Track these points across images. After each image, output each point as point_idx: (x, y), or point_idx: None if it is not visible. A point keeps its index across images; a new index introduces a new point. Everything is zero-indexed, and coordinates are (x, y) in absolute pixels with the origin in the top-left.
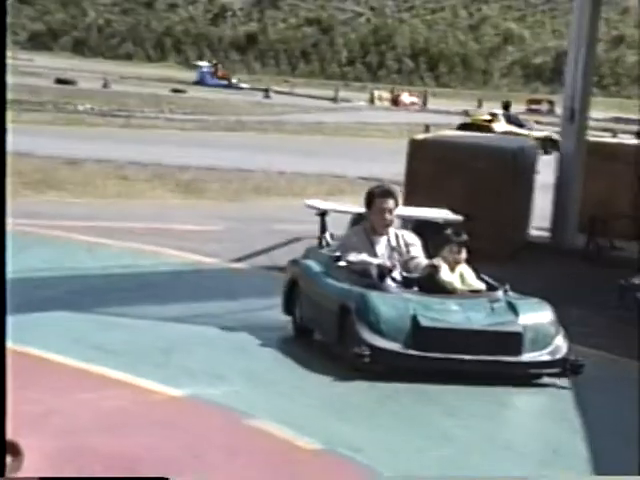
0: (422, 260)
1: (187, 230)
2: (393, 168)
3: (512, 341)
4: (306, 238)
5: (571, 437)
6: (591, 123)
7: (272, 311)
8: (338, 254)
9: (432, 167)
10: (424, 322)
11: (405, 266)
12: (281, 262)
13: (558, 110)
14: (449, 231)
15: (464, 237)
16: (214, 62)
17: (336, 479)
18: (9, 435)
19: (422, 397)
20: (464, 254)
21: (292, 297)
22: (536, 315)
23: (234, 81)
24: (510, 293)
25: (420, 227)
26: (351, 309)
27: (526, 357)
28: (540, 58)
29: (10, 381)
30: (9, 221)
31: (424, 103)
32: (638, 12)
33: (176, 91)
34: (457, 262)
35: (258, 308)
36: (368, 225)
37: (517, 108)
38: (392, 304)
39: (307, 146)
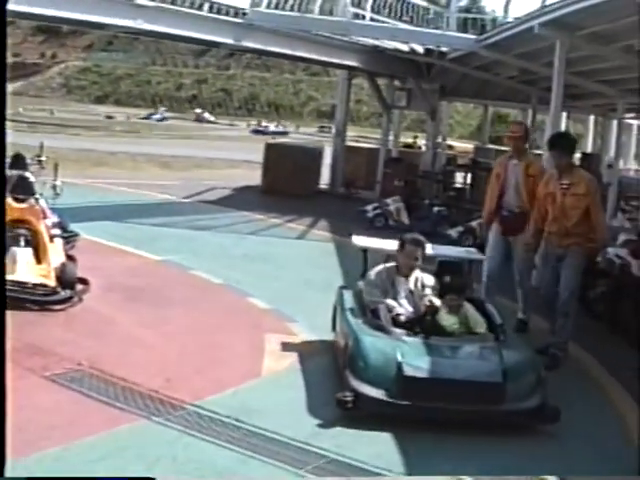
0: (432, 300)
1: (162, 184)
2: (259, 156)
3: (494, 391)
4: (216, 188)
5: None
6: (348, 137)
7: (202, 222)
8: (361, 289)
9: (275, 155)
10: (408, 371)
11: (417, 306)
12: (205, 199)
13: (333, 131)
14: (447, 279)
15: (460, 283)
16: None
17: (225, 294)
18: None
19: (272, 264)
20: (463, 299)
21: (334, 319)
22: (520, 364)
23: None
24: (502, 337)
25: (442, 268)
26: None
27: (507, 407)
28: (325, 107)
29: (80, 253)
30: (79, 181)
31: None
32: (367, 88)
33: (159, 121)
34: (459, 306)
35: (195, 220)
36: (394, 265)
37: (313, 129)
38: (382, 350)
39: (220, 146)
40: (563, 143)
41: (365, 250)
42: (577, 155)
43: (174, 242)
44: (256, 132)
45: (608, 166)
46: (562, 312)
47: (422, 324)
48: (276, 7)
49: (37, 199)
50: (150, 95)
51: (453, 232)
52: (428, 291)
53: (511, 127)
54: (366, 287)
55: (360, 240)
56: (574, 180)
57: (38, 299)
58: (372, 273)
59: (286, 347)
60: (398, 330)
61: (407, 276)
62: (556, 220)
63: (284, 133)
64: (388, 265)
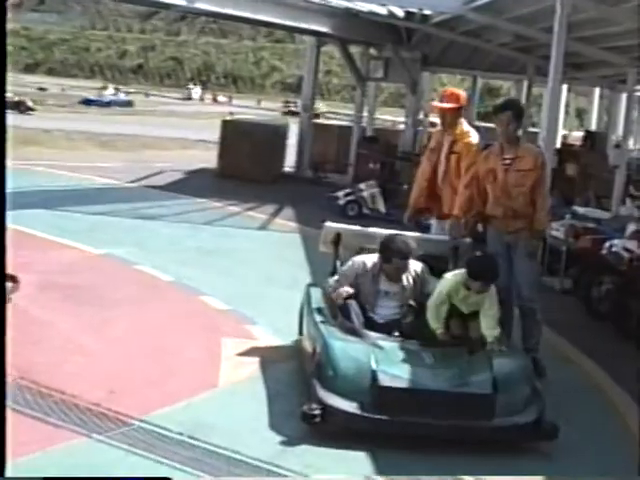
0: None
1: (104, 167)
2: (214, 135)
3: (482, 404)
4: (166, 171)
5: None
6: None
7: (149, 210)
8: (330, 285)
9: (233, 134)
10: (383, 381)
11: (399, 306)
12: (153, 183)
13: (299, 106)
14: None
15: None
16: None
17: (176, 293)
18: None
19: (230, 258)
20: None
21: (301, 320)
22: (513, 374)
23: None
24: (494, 346)
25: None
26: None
27: (497, 422)
28: (291, 80)
29: (8, 246)
30: (8, 163)
31: (230, 101)
32: (339, 57)
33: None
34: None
35: (142, 208)
36: (378, 265)
37: (278, 105)
38: (354, 357)
39: (169, 123)
40: (511, 106)
41: (337, 243)
42: (578, 134)
43: (117, 233)
44: (87, 102)
45: (615, 146)
46: (528, 309)
47: (401, 327)
48: None
49: None
50: (89, 64)
51: (436, 221)
52: (428, 279)
53: (442, 95)
54: (338, 283)
55: (332, 225)
56: (518, 154)
57: None
58: (346, 267)
59: (246, 353)
60: (373, 334)
61: (395, 281)
62: (498, 201)
63: (127, 103)
64: (371, 256)
